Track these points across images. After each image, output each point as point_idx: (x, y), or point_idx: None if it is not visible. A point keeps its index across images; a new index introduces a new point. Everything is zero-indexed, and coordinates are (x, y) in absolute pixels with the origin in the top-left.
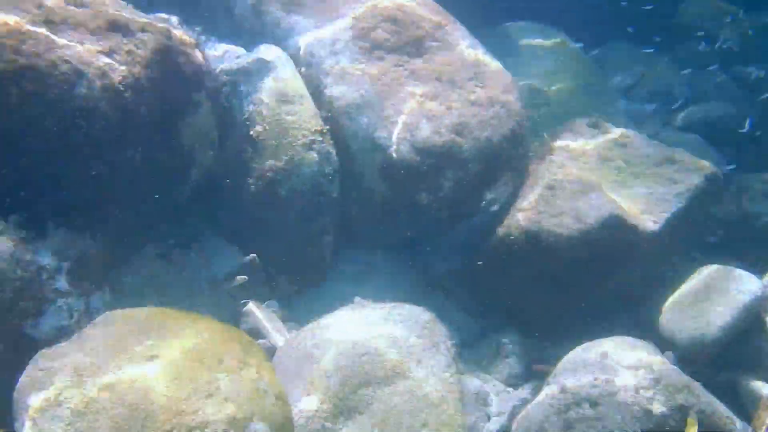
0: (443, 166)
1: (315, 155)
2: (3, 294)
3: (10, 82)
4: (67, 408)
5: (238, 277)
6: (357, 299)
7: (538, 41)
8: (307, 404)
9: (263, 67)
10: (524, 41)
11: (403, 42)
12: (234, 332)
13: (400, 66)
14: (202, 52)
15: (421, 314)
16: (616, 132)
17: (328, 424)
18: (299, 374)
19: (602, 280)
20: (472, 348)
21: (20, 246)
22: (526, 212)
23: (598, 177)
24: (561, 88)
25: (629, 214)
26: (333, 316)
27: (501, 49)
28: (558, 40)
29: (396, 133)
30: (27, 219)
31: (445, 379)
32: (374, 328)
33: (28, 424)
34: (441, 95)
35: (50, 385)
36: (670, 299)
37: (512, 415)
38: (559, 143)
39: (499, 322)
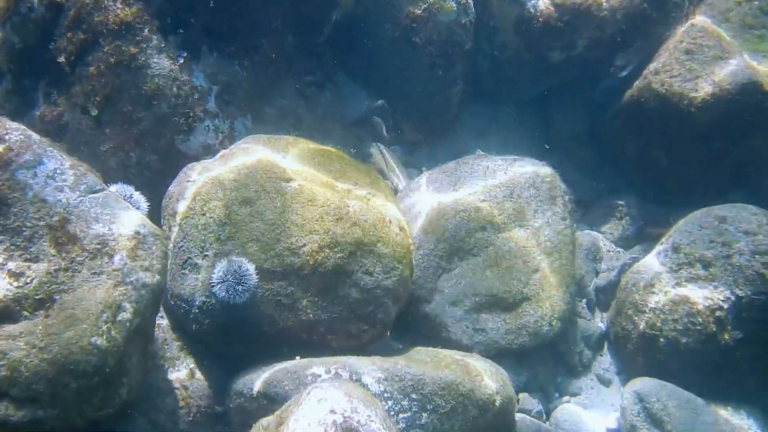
0: (579, 24)
1: (453, 4)
2: (160, 108)
3: None
4: (211, 218)
5: (374, 119)
6: (479, 151)
7: None
8: (425, 242)
9: None
10: None
11: None
12: (363, 167)
13: None
14: None
15: (541, 168)
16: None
17: (443, 263)
18: (419, 214)
19: (731, 148)
20: (587, 207)
21: (178, 65)
22: (659, 75)
23: (739, 43)
24: None
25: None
26: (455, 163)
27: None
28: None
29: None
30: (184, 40)
31: (559, 230)
32: (494, 177)
33: (174, 228)
34: None
35: (197, 196)
36: None
37: (621, 271)
38: (701, 8)
39: (617, 185)
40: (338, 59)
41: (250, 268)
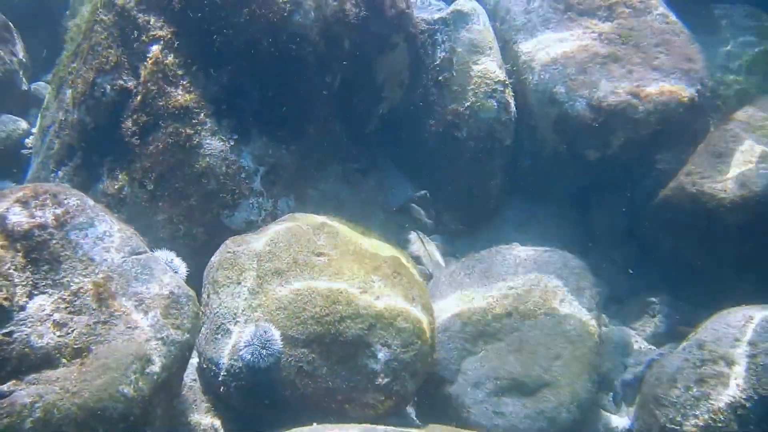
0: (615, 125)
1: (494, 103)
2: (209, 185)
3: (243, 4)
4: (245, 287)
5: (415, 208)
6: (515, 244)
7: (745, 22)
8: (452, 324)
9: (459, 19)
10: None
11: (596, 6)
12: (396, 248)
13: (589, 28)
14: (409, 1)
15: (571, 260)
16: None
17: (468, 345)
18: (450, 296)
19: (763, 250)
20: (621, 304)
21: (228, 147)
22: (691, 176)
23: None
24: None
25: None
26: (488, 251)
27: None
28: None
29: (573, 89)
30: (236, 124)
31: (585, 321)
32: (523, 266)
33: (212, 296)
34: (624, 58)
35: (233, 266)
36: None
37: (648, 366)
38: (737, 114)
39: (654, 284)
40: (385, 149)
41: (276, 333)
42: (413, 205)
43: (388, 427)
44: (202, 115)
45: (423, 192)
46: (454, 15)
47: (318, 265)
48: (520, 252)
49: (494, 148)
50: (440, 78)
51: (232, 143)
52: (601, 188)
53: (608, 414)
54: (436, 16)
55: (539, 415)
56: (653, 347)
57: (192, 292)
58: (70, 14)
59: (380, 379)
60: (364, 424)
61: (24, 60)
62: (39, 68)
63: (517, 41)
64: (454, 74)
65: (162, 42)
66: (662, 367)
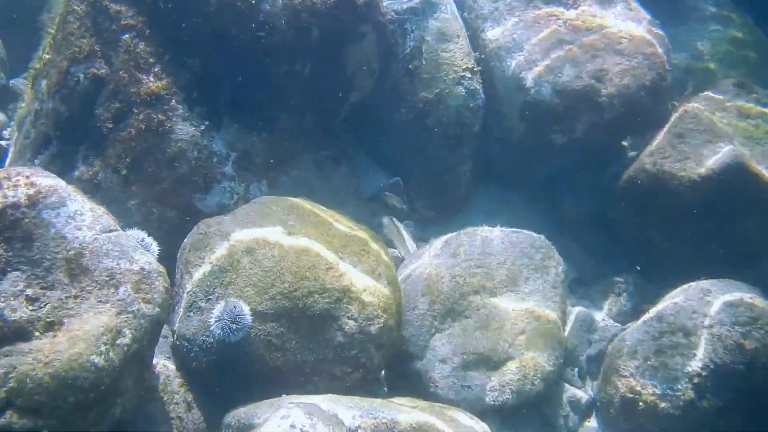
0: (579, 109)
1: (462, 90)
2: (180, 168)
3: None
4: (216, 266)
5: (390, 195)
6: (483, 226)
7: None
8: (421, 303)
9: (428, 8)
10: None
11: None
12: (364, 228)
13: (554, 16)
14: None
15: (537, 240)
16: (762, 92)
17: (436, 323)
18: (419, 277)
19: (722, 228)
20: (588, 285)
21: (199, 132)
22: (653, 156)
23: (733, 131)
24: (724, 56)
25: (755, 165)
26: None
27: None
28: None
29: (539, 75)
30: (208, 111)
31: (549, 297)
32: (491, 246)
33: (185, 276)
34: (588, 44)
35: (205, 246)
36: None
37: (611, 341)
38: (698, 97)
39: (622, 266)
40: (356, 138)
41: (246, 309)
42: (387, 192)
43: (354, 397)
44: (174, 101)
45: (396, 179)
46: (423, 4)
47: (287, 244)
48: (487, 233)
49: (463, 135)
50: (410, 66)
51: (203, 129)
52: (572, 174)
53: (573, 388)
54: (406, 6)
55: (504, 387)
56: (619, 324)
57: (162, 269)
58: (46, 11)
59: (347, 352)
60: (328, 394)
61: (1, 56)
62: (20, 66)
63: (485, 29)
64: (424, 62)
65: (134, 31)
66: (623, 340)
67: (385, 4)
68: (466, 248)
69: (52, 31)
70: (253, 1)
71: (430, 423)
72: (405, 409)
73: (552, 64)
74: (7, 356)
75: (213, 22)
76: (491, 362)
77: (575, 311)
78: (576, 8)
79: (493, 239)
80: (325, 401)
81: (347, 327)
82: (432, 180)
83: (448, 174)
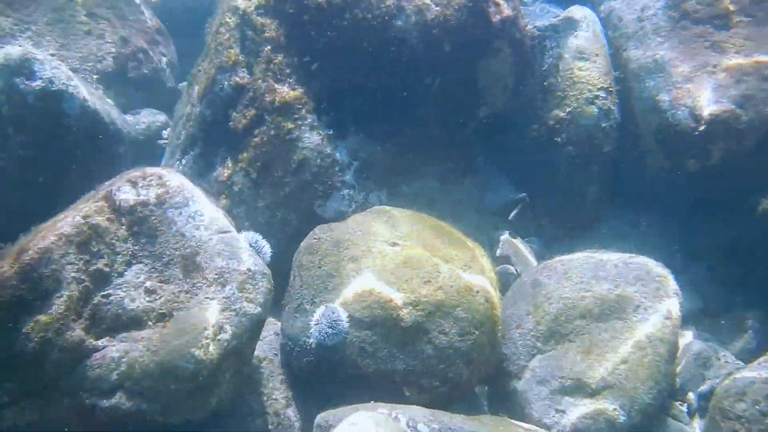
0: (717, 135)
1: (595, 109)
2: (303, 175)
3: (346, 9)
4: (324, 270)
5: (514, 213)
6: (600, 249)
7: None
8: (526, 322)
9: (569, 26)
10: None
11: (713, 15)
12: (472, 243)
13: (702, 37)
14: (517, 7)
15: (654, 267)
16: None
17: (539, 344)
18: (528, 295)
19: None
20: (714, 318)
21: (325, 141)
22: None
23: None
24: None
25: None
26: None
27: None
28: None
29: (677, 98)
30: (335, 120)
31: (659, 328)
32: (604, 270)
33: (296, 278)
34: (733, 67)
35: (318, 252)
36: None
37: (725, 378)
38: None
39: (753, 300)
40: (487, 152)
41: (343, 315)
42: (512, 208)
43: (437, 411)
44: (304, 110)
45: (522, 195)
46: (564, 22)
47: (389, 254)
48: (603, 256)
49: (592, 155)
50: (545, 83)
51: (328, 137)
52: (710, 202)
53: (679, 424)
54: (548, 22)
55: (598, 416)
56: (740, 362)
57: (268, 271)
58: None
59: (435, 365)
60: (412, 405)
61: (172, 60)
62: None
63: (627, 48)
64: (559, 80)
65: (273, 42)
66: (734, 380)
67: (526, 20)
68: (578, 271)
69: (208, 41)
70: (387, 17)
71: None
72: (487, 429)
73: (692, 87)
74: (123, 342)
75: (346, 36)
76: (589, 389)
77: (691, 344)
78: (727, 30)
79: (607, 263)
80: (409, 410)
81: (437, 341)
82: (559, 198)
83: (575, 193)
